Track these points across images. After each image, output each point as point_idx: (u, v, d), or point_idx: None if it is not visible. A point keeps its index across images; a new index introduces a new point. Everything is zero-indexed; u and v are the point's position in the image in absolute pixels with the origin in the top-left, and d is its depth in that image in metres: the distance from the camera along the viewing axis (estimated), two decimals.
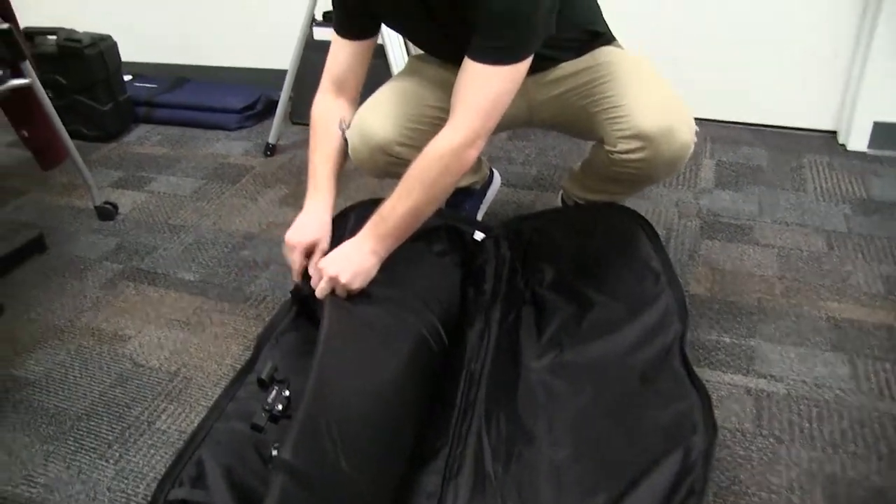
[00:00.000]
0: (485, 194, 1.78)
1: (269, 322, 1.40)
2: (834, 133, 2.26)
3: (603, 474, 1.08)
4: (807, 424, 1.27)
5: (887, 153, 2.14)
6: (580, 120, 1.44)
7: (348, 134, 1.41)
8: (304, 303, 1.35)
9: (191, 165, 2.26)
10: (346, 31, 1.37)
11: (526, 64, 1.20)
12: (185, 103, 2.53)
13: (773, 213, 1.87)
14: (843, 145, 2.20)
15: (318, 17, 2.13)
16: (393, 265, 1.29)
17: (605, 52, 1.41)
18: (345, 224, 1.41)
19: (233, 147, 2.37)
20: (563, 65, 1.40)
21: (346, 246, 1.26)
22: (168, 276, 1.71)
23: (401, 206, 1.22)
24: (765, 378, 1.36)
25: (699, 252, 1.72)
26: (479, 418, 1.20)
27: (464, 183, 1.69)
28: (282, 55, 2.35)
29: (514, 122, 1.51)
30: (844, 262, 1.68)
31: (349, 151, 1.42)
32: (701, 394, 1.19)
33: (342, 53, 1.39)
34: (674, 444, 1.09)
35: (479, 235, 1.58)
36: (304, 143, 2.29)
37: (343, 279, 1.21)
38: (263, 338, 1.35)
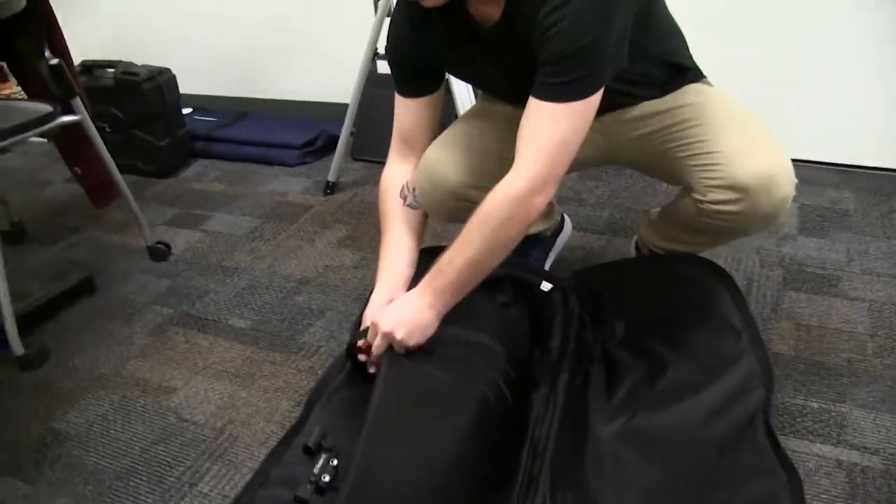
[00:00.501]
0: (554, 241, 1.68)
1: (321, 377, 1.34)
2: None
3: None
4: None
5: None
6: (664, 164, 1.33)
7: (416, 176, 1.34)
8: (358, 359, 1.27)
9: (248, 203, 2.23)
10: (408, 90, 1.31)
11: (595, 100, 1.09)
12: (245, 138, 2.52)
13: (862, 263, 1.73)
14: None
15: (381, 50, 2.08)
16: (454, 319, 1.22)
17: (693, 90, 1.30)
18: None
19: (291, 184, 2.34)
20: (646, 104, 1.30)
21: (403, 300, 1.19)
22: (219, 323, 1.66)
23: (460, 257, 1.14)
24: (858, 450, 1.24)
25: (782, 305, 1.59)
26: (542, 496, 1.10)
27: (533, 230, 1.60)
28: (343, 89, 2.34)
29: (590, 161, 1.42)
30: None
31: (417, 195, 1.35)
32: (789, 472, 1.09)
33: (406, 113, 1.33)
34: None
35: (546, 286, 1.49)
36: (366, 181, 2.33)
37: (399, 335, 1.14)
38: (315, 395, 1.28)
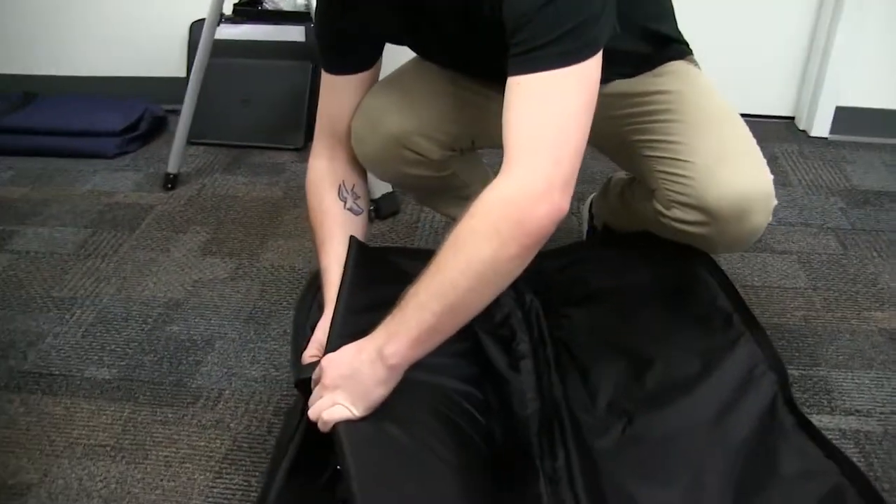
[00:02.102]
0: None
1: (272, 455, 1.01)
2: (791, 119, 2.18)
3: None
4: None
5: (850, 138, 2.08)
6: (627, 156, 1.15)
7: (353, 122, 1.09)
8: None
9: (65, 210, 1.72)
10: (341, 65, 1.05)
11: (597, 63, 0.83)
12: (40, 126, 1.97)
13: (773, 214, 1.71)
14: (804, 131, 2.13)
15: (227, 11, 1.69)
16: None
17: (675, 73, 1.10)
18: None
19: (118, 181, 1.85)
20: (618, 82, 1.08)
21: (357, 352, 0.85)
22: (71, 378, 1.22)
23: (432, 297, 0.81)
24: (853, 415, 1.19)
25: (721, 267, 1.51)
26: None
27: None
28: (162, 60, 1.99)
29: None
30: (865, 264, 1.59)
31: (353, 143, 1.10)
32: (839, 460, 0.98)
33: (335, 96, 1.08)
34: None
35: None
36: (212, 168, 1.90)
37: (344, 401, 0.83)
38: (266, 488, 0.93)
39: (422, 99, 1.11)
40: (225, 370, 1.23)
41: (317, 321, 1.02)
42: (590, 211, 1.50)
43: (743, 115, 1.12)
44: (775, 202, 1.07)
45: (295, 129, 1.96)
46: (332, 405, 0.83)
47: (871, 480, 0.92)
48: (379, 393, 0.84)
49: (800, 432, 1.02)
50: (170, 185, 1.76)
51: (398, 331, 0.82)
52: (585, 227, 1.52)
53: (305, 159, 1.87)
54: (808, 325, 1.38)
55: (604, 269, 1.28)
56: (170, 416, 1.14)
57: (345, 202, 1.08)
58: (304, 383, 0.93)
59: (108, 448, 1.08)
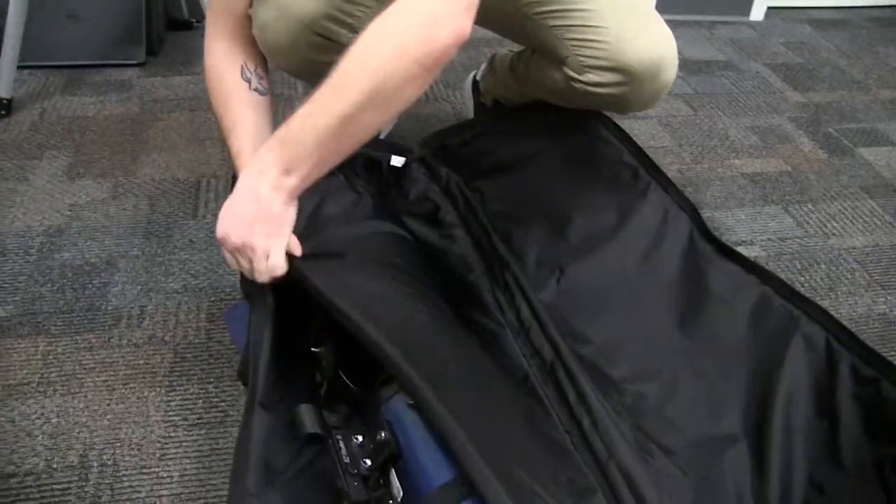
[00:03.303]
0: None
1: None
2: None
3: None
4: (800, 278, 1.28)
5: (674, 17, 2.21)
6: (529, 30, 1.15)
7: (257, 8, 0.99)
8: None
9: None
10: None
11: None
12: None
13: None
14: None
15: None
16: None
17: None
18: None
19: None
20: None
21: (239, 185, 0.81)
22: None
23: (324, 111, 0.77)
24: (741, 245, 1.35)
25: None
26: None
27: None
28: None
29: None
30: (714, 121, 1.75)
31: (255, 30, 1.00)
32: (758, 272, 1.07)
33: None
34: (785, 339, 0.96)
35: (397, 161, 1.23)
36: (50, 91, 1.69)
37: (232, 241, 0.79)
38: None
39: None
40: (139, 287, 1.13)
41: None
42: (474, 90, 1.51)
43: None
44: (678, 60, 1.13)
45: (134, 42, 1.76)
46: (258, 256, 0.79)
47: (784, 281, 1.05)
48: (291, 214, 0.82)
49: (720, 256, 1.10)
50: (3, 112, 1.53)
51: (297, 155, 0.78)
52: (471, 104, 1.52)
53: (151, 74, 1.74)
54: (683, 176, 1.52)
55: (507, 141, 1.28)
56: (94, 341, 1.03)
57: (249, 83, 0.99)
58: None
59: (34, 385, 0.97)
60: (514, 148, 1.27)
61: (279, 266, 0.80)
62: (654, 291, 1.08)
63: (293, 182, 0.79)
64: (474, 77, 1.51)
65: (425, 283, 0.99)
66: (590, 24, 1.06)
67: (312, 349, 0.88)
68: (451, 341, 0.88)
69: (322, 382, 0.88)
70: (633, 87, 1.08)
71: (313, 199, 0.96)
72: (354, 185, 1.11)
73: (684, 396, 0.95)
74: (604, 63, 1.07)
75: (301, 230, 0.85)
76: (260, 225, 0.79)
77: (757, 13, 2.32)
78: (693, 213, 1.16)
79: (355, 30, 1.05)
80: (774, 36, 2.24)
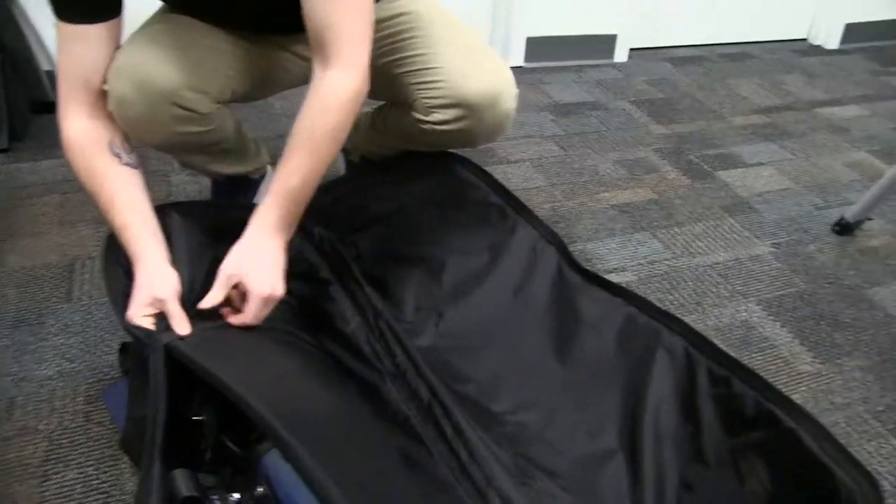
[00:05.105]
0: (258, 186, 1.42)
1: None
2: None
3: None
4: (669, 297, 1.35)
5: (542, 64, 2.34)
6: (381, 82, 1.19)
7: (114, 85, 1.00)
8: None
9: None
10: (84, 13, 0.95)
11: None
12: None
13: None
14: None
15: None
16: None
17: None
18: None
19: None
20: None
21: (257, 244, 0.96)
22: None
23: (293, 181, 0.96)
24: (613, 272, 1.42)
25: None
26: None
27: (242, 170, 1.33)
28: None
29: (295, 82, 1.24)
30: (585, 159, 1.84)
31: (112, 106, 1.01)
32: (623, 294, 1.13)
33: (83, 47, 0.97)
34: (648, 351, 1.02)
35: None
36: None
37: (279, 291, 0.94)
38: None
39: (185, 52, 1.06)
40: (9, 378, 1.08)
41: (128, 284, 0.95)
42: (342, 149, 1.54)
43: None
44: (517, 90, 1.21)
45: None
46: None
47: (649, 300, 1.11)
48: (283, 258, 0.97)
49: (588, 284, 1.16)
50: None
51: (283, 218, 0.96)
52: (340, 164, 1.56)
53: (17, 160, 1.70)
54: (556, 212, 1.59)
55: (376, 193, 1.32)
56: None
57: (119, 158, 0.99)
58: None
59: None
60: (384, 200, 1.30)
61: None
62: (528, 325, 1.12)
63: (286, 241, 0.99)
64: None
65: (304, 341, 1.01)
66: (429, 66, 1.14)
67: (193, 417, 0.88)
68: (328, 395, 0.90)
69: (206, 448, 0.88)
70: (474, 119, 1.15)
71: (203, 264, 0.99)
72: None
73: (564, 421, 0.99)
74: (445, 101, 1.13)
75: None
76: (279, 277, 0.95)
77: (620, 55, 2.47)
78: (560, 245, 1.22)
79: (213, 99, 1.08)
80: (638, 75, 2.39)
